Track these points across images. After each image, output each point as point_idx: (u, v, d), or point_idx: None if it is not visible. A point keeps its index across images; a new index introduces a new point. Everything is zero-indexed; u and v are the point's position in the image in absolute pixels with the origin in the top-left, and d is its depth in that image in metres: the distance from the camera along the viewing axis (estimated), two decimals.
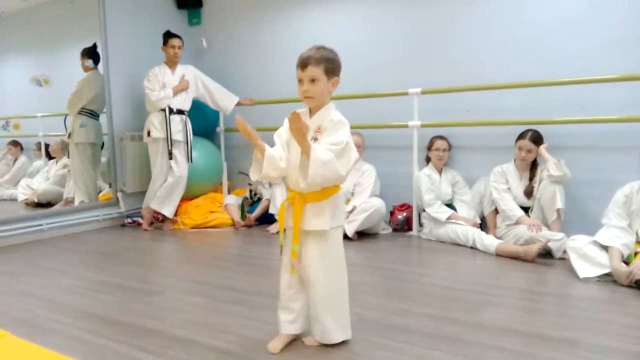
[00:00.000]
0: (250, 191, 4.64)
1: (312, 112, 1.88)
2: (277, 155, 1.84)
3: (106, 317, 2.27)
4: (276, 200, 4.25)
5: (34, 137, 5.02)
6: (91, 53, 4.63)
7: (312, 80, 1.80)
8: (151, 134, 4.28)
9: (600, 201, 3.11)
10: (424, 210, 3.88)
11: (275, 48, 4.90)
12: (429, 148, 3.97)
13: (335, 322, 1.89)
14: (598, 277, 2.69)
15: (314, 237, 1.84)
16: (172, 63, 4.42)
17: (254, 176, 1.90)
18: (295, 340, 1.97)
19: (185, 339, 2.02)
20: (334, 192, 1.85)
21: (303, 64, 1.81)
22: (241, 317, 2.23)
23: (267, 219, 4.44)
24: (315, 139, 1.80)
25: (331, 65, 1.82)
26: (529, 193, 3.52)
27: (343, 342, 1.93)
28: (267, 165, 1.82)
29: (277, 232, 4.10)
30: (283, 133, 1.93)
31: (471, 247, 3.47)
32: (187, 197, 4.64)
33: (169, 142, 4.27)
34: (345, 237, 3.77)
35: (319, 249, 1.85)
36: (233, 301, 2.46)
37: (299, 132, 1.66)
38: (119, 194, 4.71)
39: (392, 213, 4.20)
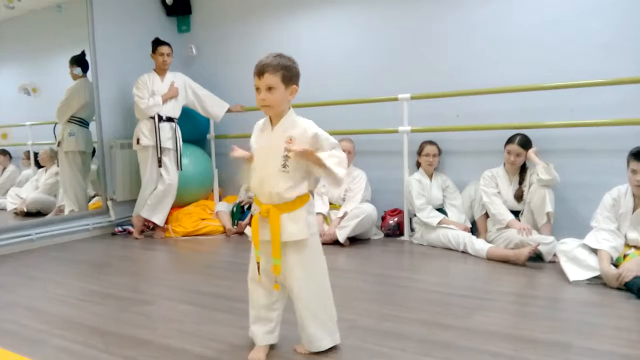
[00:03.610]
0: (241, 202, 4.63)
1: (272, 121, 1.87)
2: None
3: (96, 328, 2.25)
4: None
5: (22, 146, 4.98)
6: (80, 61, 4.61)
7: (270, 89, 1.77)
8: (140, 141, 4.27)
9: (589, 204, 3.13)
10: (415, 215, 3.89)
11: (265, 54, 4.90)
12: (419, 153, 3.98)
13: (322, 329, 1.88)
14: (588, 280, 2.71)
15: (293, 247, 1.82)
16: (161, 70, 4.41)
17: (245, 182, 1.94)
18: (286, 348, 1.96)
19: (176, 348, 2.00)
20: (307, 200, 1.85)
21: (260, 71, 1.78)
22: (232, 325, 2.21)
23: None
24: (290, 150, 1.78)
25: (289, 73, 1.79)
26: (518, 197, 3.54)
27: (334, 348, 1.93)
28: None
29: None
30: (253, 144, 1.95)
31: (462, 252, 3.48)
32: (178, 205, 4.62)
33: (159, 149, 4.25)
34: (337, 243, 3.79)
35: (300, 257, 1.83)
36: (224, 309, 2.45)
37: (310, 156, 1.73)
38: (109, 203, 4.68)
39: (383, 218, 4.21)
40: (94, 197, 4.84)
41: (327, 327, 1.90)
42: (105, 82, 4.65)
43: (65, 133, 4.55)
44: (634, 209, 2.83)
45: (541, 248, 3.14)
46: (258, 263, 1.87)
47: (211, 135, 5.00)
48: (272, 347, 1.96)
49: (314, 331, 1.87)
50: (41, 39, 4.81)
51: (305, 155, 1.73)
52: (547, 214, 3.33)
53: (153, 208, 4.33)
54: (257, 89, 1.81)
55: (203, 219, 4.54)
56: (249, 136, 1.95)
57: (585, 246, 2.81)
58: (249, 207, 4.55)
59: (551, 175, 3.30)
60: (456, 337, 2.04)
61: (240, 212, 4.55)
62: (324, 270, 1.93)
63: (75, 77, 4.63)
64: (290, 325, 1.99)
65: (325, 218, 4.06)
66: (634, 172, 2.77)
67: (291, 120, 1.84)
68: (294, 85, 1.83)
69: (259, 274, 1.88)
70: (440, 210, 3.86)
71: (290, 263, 1.83)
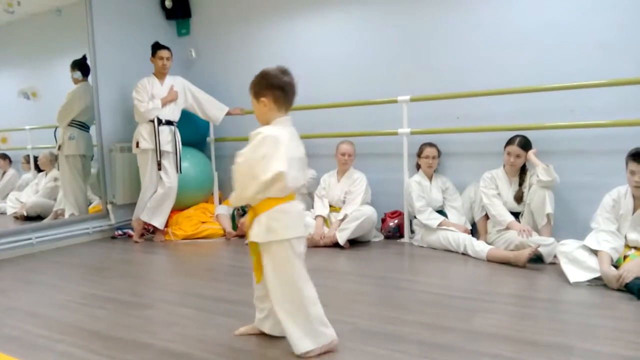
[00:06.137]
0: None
1: None
2: None
3: (97, 332, 2.25)
4: None
5: (22, 150, 4.99)
6: (80, 65, 4.61)
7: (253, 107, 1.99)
8: (140, 145, 4.27)
9: (590, 205, 3.13)
10: (415, 217, 3.89)
11: (265, 58, 4.91)
12: (419, 155, 3.98)
13: (299, 330, 1.88)
14: (588, 281, 2.71)
15: (262, 249, 1.91)
16: (160, 74, 4.42)
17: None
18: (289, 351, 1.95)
19: (177, 352, 2.00)
20: (274, 205, 1.87)
21: None
22: (233, 328, 2.21)
23: None
24: None
25: (255, 89, 1.96)
26: (518, 198, 3.54)
27: (336, 352, 1.92)
28: None
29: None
30: None
31: (462, 253, 3.48)
32: (178, 208, 4.62)
33: (158, 153, 4.25)
34: (337, 245, 3.80)
35: (268, 260, 1.90)
36: (225, 313, 2.45)
37: None
38: (109, 206, 4.68)
39: (383, 220, 4.21)
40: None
41: (307, 329, 1.88)
42: (105, 86, 4.65)
43: (66, 137, 4.56)
44: (634, 210, 2.84)
45: (541, 249, 3.14)
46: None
47: (211, 138, 5.01)
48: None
49: (291, 332, 1.89)
50: (41, 43, 4.82)
51: None
52: (547, 215, 3.34)
53: (153, 211, 4.33)
54: None
55: (203, 222, 4.54)
56: (248, 139, 1.96)
57: (585, 247, 2.81)
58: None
59: (551, 176, 3.31)
60: (457, 340, 2.03)
61: (241, 215, 4.55)
62: (295, 275, 1.89)
63: (75, 81, 4.63)
64: None
65: (326, 220, 4.07)
66: (632, 173, 2.78)
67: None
68: (262, 98, 1.94)
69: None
70: (440, 212, 3.86)
71: (263, 264, 1.91)
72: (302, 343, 1.88)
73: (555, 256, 3.06)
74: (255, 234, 1.88)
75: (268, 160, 1.80)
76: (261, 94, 1.93)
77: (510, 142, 3.54)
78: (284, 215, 1.88)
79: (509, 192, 3.58)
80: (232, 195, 1.93)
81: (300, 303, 1.88)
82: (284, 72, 1.95)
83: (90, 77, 4.62)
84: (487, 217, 3.69)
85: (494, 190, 3.58)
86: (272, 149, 1.81)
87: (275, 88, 1.92)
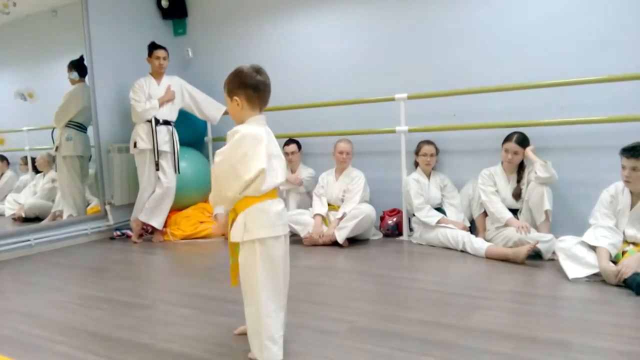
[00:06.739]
0: None
1: None
2: None
3: (96, 333, 2.25)
4: None
5: (20, 151, 4.97)
6: (77, 66, 4.61)
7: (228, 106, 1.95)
8: (137, 145, 4.26)
9: (588, 201, 3.13)
10: (413, 215, 3.89)
11: (261, 56, 4.89)
12: (417, 153, 3.98)
13: (253, 336, 1.84)
14: (587, 277, 2.71)
15: (240, 248, 1.86)
16: (157, 74, 4.41)
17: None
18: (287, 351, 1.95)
19: (176, 352, 2.00)
20: (251, 203, 1.82)
21: None
22: (231, 328, 2.21)
23: None
24: None
25: (228, 87, 1.92)
26: (517, 195, 3.54)
27: (334, 350, 1.92)
28: None
29: None
30: None
31: (461, 251, 3.48)
32: (177, 208, 4.62)
33: (156, 153, 4.25)
34: (336, 243, 3.79)
35: (241, 259, 1.85)
36: (223, 312, 2.45)
37: None
38: (107, 207, 4.67)
39: (382, 218, 4.21)
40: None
41: (256, 340, 1.83)
42: (102, 86, 4.65)
43: (63, 138, 4.55)
44: (632, 206, 2.84)
45: (540, 246, 3.15)
46: None
47: (208, 137, 5.01)
48: None
49: (249, 334, 1.86)
50: (37, 43, 4.80)
51: None
52: (546, 211, 3.34)
53: (151, 212, 4.33)
54: None
55: (202, 222, 4.54)
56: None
57: (583, 243, 2.81)
58: None
59: (549, 172, 3.31)
60: (456, 337, 2.03)
61: None
62: (258, 281, 1.80)
63: (72, 81, 4.63)
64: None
65: (324, 219, 4.07)
66: (623, 167, 2.79)
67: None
68: (235, 97, 1.89)
69: None
70: (439, 209, 3.86)
71: (239, 263, 1.86)
72: (253, 348, 1.84)
73: (553, 252, 3.07)
74: (234, 233, 1.83)
75: (249, 158, 1.77)
76: (234, 92, 1.88)
77: (507, 139, 3.54)
78: (261, 214, 1.82)
79: (507, 189, 3.58)
80: (210, 196, 1.87)
81: (256, 310, 1.82)
82: (258, 70, 1.89)
83: (87, 78, 4.61)
84: (485, 214, 3.69)
85: (492, 187, 3.58)
86: (252, 147, 1.78)
87: (248, 87, 1.87)
